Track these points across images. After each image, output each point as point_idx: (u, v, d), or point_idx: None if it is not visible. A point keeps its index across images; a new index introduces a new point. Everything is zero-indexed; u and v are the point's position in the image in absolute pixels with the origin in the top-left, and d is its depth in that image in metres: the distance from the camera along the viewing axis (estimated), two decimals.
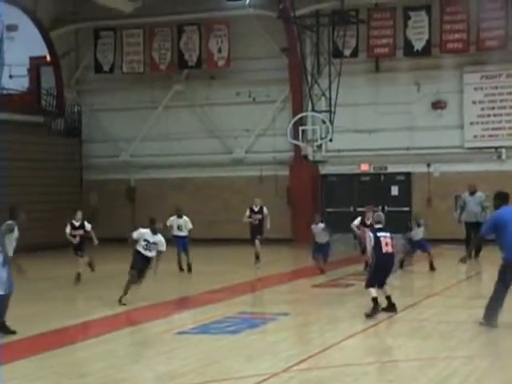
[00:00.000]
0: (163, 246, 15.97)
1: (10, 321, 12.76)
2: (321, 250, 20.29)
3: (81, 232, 19.26)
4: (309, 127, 29.90)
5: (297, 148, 30.52)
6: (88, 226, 19.37)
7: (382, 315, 13.87)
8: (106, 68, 32.94)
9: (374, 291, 13.99)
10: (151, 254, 15.88)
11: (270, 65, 31.13)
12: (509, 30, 28.37)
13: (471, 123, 29.15)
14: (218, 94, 32.09)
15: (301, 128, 29.50)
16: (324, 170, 31.05)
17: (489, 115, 28.99)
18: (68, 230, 19.23)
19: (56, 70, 33.16)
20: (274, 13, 29.42)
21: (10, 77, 33.29)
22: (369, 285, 14.13)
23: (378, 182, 30.56)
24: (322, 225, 20.37)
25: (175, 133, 32.34)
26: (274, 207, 26.28)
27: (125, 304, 15.56)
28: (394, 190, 30.32)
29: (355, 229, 20.26)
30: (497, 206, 12.99)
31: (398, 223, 20.42)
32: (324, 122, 29.30)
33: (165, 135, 32.61)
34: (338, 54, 29.40)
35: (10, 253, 12.77)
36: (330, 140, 29.26)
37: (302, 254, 23.55)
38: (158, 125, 32.90)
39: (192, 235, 21.59)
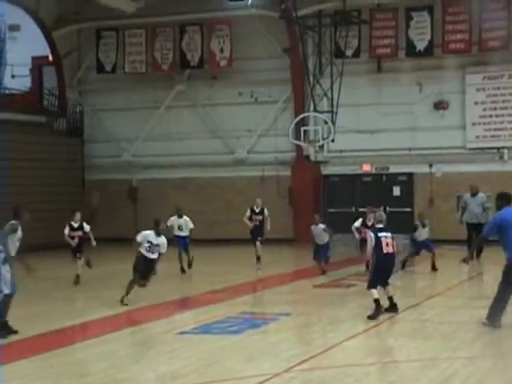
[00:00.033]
0: (164, 249, 15.95)
1: (10, 321, 12.76)
2: (320, 252, 20.24)
3: (79, 233, 19.07)
4: (311, 127, 29.89)
5: (299, 148, 30.47)
6: (87, 228, 19.18)
7: (383, 316, 13.84)
8: (108, 68, 32.90)
9: (375, 293, 13.94)
10: (154, 256, 15.82)
11: (272, 65, 31.10)
12: (511, 31, 28.32)
13: (473, 124, 29.11)
14: (219, 94, 32.06)
15: (303, 128, 29.50)
16: (326, 170, 30.99)
17: (491, 116, 28.95)
18: (67, 231, 19.05)
19: (58, 70, 33.16)
20: (276, 13, 29.42)
21: (13, 77, 33.39)
22: (371, 286, 14.08)
23: (380, 182, 30.50)
24: (322, 225, 20.25)
25: (177, 133, 32.31)
26: (275, 207, 26.26)
27: (126, 304, 15.54)
28: (396, 191, 30.27)
29: (355, 232, 20.13)
30: (499, 207, 12.97)
31: (400, 224, 20.40)
32: (326, 123, 29.29)
33: (167, 135, 32.59)
34: (340, 54, 29.42)
35: (13, 253, 12.68)
36: (332, 140, 29.26)
37: (303, 255, 23.51)
38: (159, 125, 32.87)
39: (194, 235, 21.56)
